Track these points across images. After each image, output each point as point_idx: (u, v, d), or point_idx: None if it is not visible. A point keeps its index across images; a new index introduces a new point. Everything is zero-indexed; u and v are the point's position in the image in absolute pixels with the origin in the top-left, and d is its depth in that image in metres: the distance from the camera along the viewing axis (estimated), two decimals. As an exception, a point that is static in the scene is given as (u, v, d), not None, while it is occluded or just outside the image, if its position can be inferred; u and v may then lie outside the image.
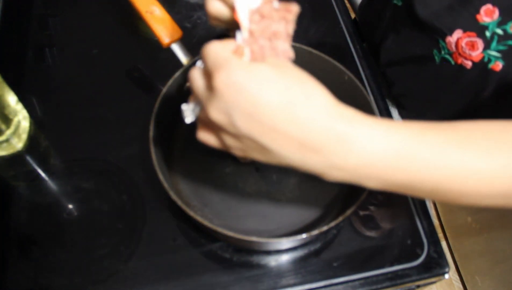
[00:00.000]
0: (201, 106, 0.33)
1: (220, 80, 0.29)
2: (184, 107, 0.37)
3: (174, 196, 0.44)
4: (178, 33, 0.51)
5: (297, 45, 0.53)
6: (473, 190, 0.31)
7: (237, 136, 0.31)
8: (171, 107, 0.54)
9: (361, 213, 0.55)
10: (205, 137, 0.35)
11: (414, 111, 0.66)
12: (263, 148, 0.31)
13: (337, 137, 0.29)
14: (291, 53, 0.34)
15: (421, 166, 0.30)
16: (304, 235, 0.43)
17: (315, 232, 0.43)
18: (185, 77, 0.54)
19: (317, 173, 0.32)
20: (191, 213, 0.44)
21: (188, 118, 0.37)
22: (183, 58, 0.52)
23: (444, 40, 0.52)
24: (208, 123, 0.33)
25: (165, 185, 0.45)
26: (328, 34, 0.72)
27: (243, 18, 0.33)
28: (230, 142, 0.32)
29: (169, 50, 0.52)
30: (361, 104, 0.50)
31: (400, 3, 0.59)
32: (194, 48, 0.53)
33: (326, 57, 0.54)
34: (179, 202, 0.44)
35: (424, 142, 0.30)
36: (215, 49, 0.30)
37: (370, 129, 0.29)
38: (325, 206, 0.54)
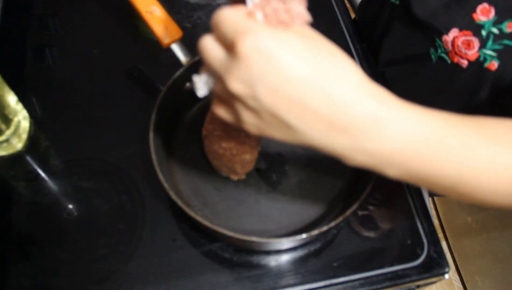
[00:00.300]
0: (217, 77, 0.30)
1: (246, 47, 0.26)
2: (196, 79, 0.34)
3: (174, 196, 0.44)
4: (178, 33, 0.51)
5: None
6: (496, 187, 0.30)
7: (257, 110, 0.28)
8: (171, 107, 0.54)
9: (361, 213, 0.55)
10: (221, 111, 0.32)
11: None
12: (285, 125, 0.28)
13: (370, 118, 0.27)
14: (307, 16, 0.31)
15: (448, 157, 0.29)
16: (304, 235, 0.43)
17: (315, 232, 0.44)
18: (184, 77, 0.54)
19: (340, 155, 0.30)
20: (191, 213, 0.44)
21: (201, 91, 0.34)
22: (183, 58, 0.52)
23: (440, 39, 0.52)
24: (225, 96, 0.30)
25: (165, 185, 0.45)
26: (328, 34, 0.71)
27: None
28: (248, 117, 0.29)
29: (169, 50, 0.52)
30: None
31: (397, 2, 0.59)
32: (194, 48, 0.53)
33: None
34: (179, 202, 0.44)
35: (453, 133, 0.29)
36: (233, 15, 0.27)
37: (402, 113, 0.28)
38: (325, 206, 0.54)
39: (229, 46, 0.27)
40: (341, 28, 0.72)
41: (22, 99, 0.60)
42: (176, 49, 0.52)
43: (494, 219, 1.06)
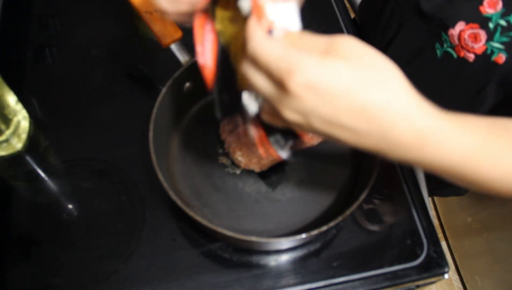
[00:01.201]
0: (267, 101, 0.32)
1: (296, 84, 0.28)
2: (246, 97, 0.34)
3: (173, 196, 0.44)
4: (177, 33, 0.51)
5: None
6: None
7: (311, 129, 0.31)
8: (170, 107, 0.54)
9: (364, 209, 0.55)
10: (271, 120, 0.34)
11: None
12: (336, 139, 0.31)
13: (416, 134, 0.30)
14: None
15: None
16: (303, 235, 0.43)
17: (314, 232, 0.44)
18: (184, 77, 0.54)
19: (376, 151, 0.32)
20: (191, 213, 0.44)
21: (252, 108, 0.35)
22: (183, 58, 0.52)
23: (446, 33, 0.52)
24: (277, 114, 0.32)
25: (165, 185, 0.45)
26: (328, 34, 0.71)
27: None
28: (301, 128, 0.32)
29: (168, 50, 0.52)
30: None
31: None
32: (194, 48, 0.53)
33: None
34: (179, 202, 0.44)
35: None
36: (275, 49, 0.28)
37: (444, 126, 0.31)
38: (325, 206, 0.54)
39: (277, 81, 0.29)
40: (341, 28, 0.72)
41: (22, 99, 0.60)
42: (176, 49, 0.52)
43: (494, 219, 1.06)
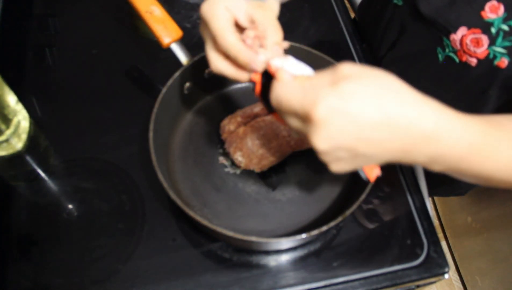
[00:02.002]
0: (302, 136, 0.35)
1: (320, 112, 0.30)
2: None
3: (173, 196, 0.44)
4: (178, 33, 0.51)
5: (297, 45, 0.53)
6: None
7: (338, 157, 0.33)
8: (170, 107, 0.54)
9: (364, 209, 0.55)
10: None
11: None
12: (364, 157, 0.33)
13: (427, 133, 0.32)
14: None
15: (482, 156, 0.35)
16: (304, 235, 0.43)
17: (314, 232, 0.44)
18: (184, 77, 0.54)
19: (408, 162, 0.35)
20: (191, 213, 0.44)
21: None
22: (183, 58, 0.52)
23: (448, 38, 0.52)
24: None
25: (165, 185, 0.45)
26: (328, 34, 0.72)
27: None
28: (331, 156, 0.34)
29: (169, 50, 0.52)
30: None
31: (400, 3, 0.59)
32: (194, 48, 0.53)
33: (326, 57, 0.54)
34: (179, 202, 0.44)
35: (488, 138, 0.35)
36: (294, 90, 0.33)
37: (451, 122, 0.33)
38: (325, 206, 0.54)
39: (303, 117, 0.32)
40: (341, 28, 0.72)
41: (22, 99, 0.60)
42: (176, 49, 0.52)
43: (494, 219, 1.06)
